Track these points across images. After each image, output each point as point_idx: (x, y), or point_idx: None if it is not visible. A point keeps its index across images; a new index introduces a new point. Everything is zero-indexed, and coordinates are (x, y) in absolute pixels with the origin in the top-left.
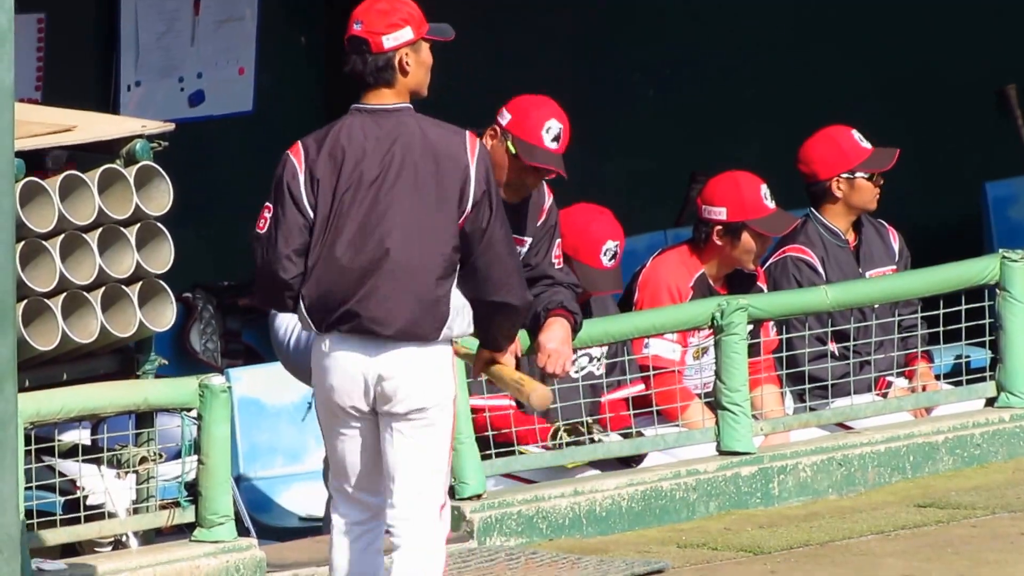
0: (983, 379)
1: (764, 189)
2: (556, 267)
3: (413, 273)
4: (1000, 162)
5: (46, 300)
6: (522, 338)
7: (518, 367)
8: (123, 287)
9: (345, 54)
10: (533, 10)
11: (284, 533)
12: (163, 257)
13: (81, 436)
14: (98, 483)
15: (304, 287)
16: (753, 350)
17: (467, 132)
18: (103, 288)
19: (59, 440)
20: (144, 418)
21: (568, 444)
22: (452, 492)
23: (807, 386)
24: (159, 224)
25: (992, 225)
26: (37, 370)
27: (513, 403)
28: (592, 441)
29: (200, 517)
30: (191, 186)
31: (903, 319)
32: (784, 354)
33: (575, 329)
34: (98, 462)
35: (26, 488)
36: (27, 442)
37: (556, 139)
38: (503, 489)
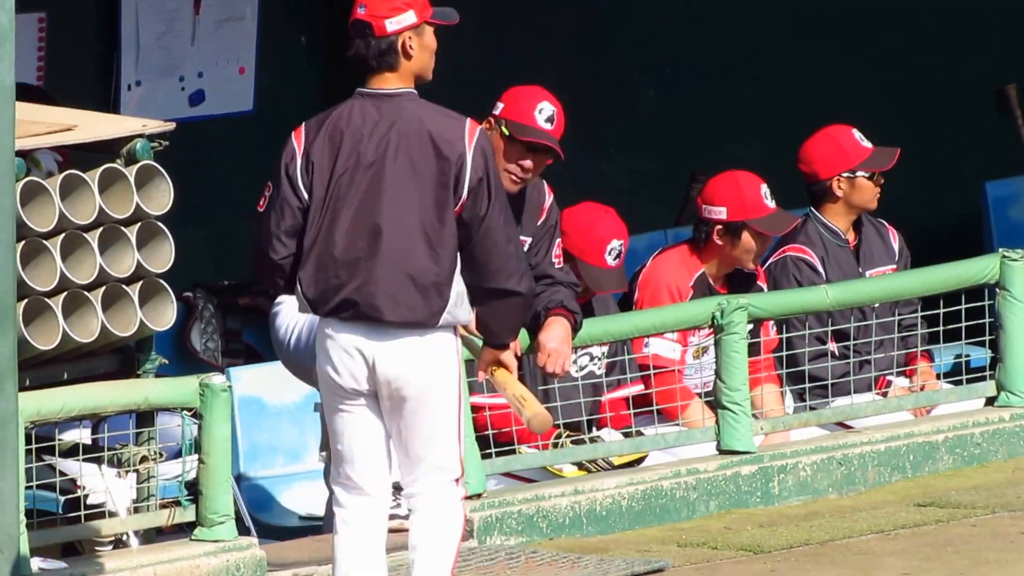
0: (983, 378)
1: (764, 189)
2: (556, 266)
3: (409, 259)
4: (1000, 162)
5: (47, 299)
6: (522, 337)
7: (520, 368)
8: (124, 286)
9: (349, 38)
10: (533, 10)
11: (284, 532)
12: (164, 256)
13: (82, 435)
14: (99, 482)
15: (302, 271)
16: (753, 349)
17: (468, 119)
18: (104, 287)
19: (60, 439)
20: (145, 417)
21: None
22: None
23: (807, 385)
24: (160, 223)
25: (992, 224)
26: (38, 369)
27: None
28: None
29: (200, 516)
30: (192, 185)
31: (903, 318)
32: (784, 353)
33: (575, 328)
34: (99, 461)
35: (27, 487)
36: (28, 441)
37: (550, 120)
38: (503, 488)
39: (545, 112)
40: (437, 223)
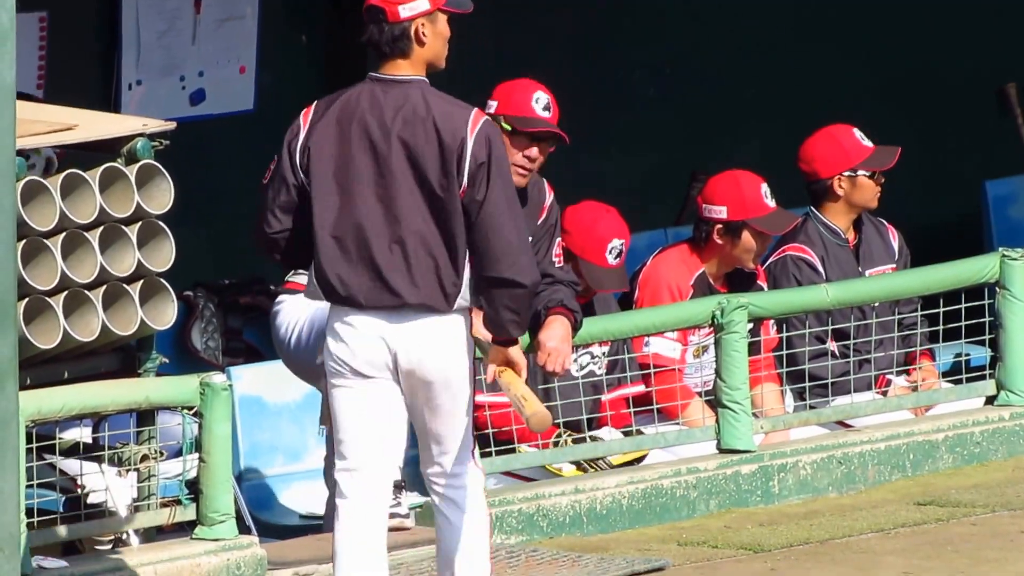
0: (983, 377)
1: (764, 188)
2: (556, 265)
3: (422, 243)
4: (1000, 161)
5: (47, 298)
6: (522, 337)
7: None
8: (124, 285)
9: (362, 24)
10: (533, 10)
11: (285, 531)
12: (164, 255)
13: (82, 434)
14: (99, 481)
15: (314, 256)
16: (753, 348)
17: (475, 109)
18: (104, 286)
19: (60, 438)
20: (145, 416)
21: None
22: None
23: (807, 384)
24: (160, 222)
25: (992, 224)
26: (38, 368)
27: None
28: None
29: (201, 515)
30: (192, 184)
31: (903, 317)
32: (784, 352)
33: (575, 327)
34: (99, 460)
35: (27, 486)
36: (28, 440)
37: (547, 108)
38: (504, 487)
39: (541, 101)
40: (445, 208)
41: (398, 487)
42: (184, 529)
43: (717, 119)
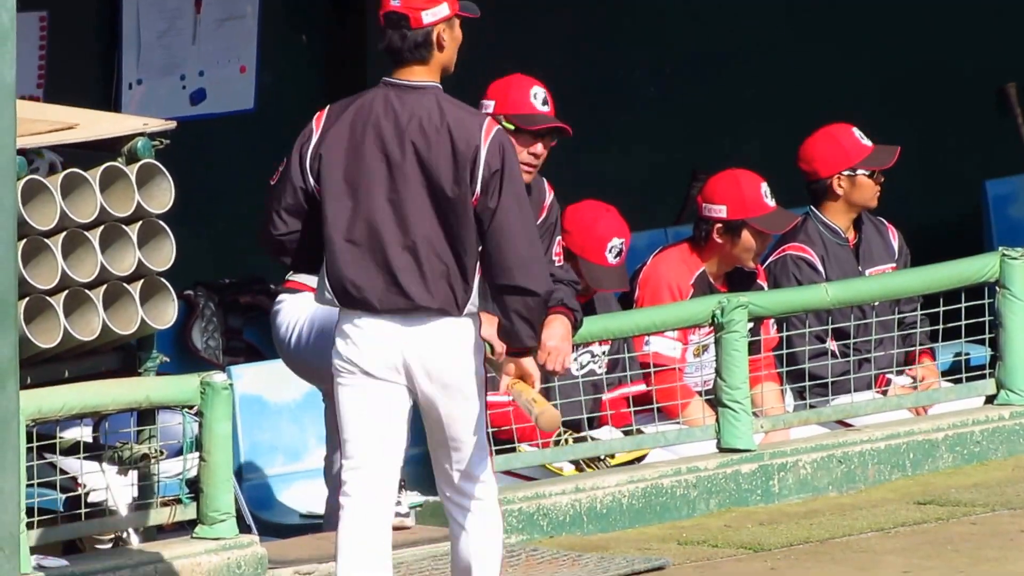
0: (983, 377)
1: (764, 187)
2: (556, 264)
3: (434, 248)
4: (1000, 160)
5: (48, 298)
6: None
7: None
8: (125, 285)
9: (380, 30)
10: (533, 10)
11: (285, 530)
12: (165, 255)
13: (83, 433)
14: (99, 480)
15: (325, 261)
16: (753, 347)
17: (487, 116)
18: (105, 286)
19: (61, 437)
20: (146, 415)
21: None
22: None
23: (807, 383)
24: (161, 222)
25: (992, 223)
26: (39, 367)
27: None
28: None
29: (201, 514)
30: (193, 184)
31: (904, 316)
32: (784, 352)
33: (575, 326)
34: (99, 459)
35: (27, 485)
36: (29, 439)
37: (545, 102)
38: (504, 486)
39: (540, 96)
40: (456, 214)
41: (399, 486)
42: (184, 528)
43: (717, 119)
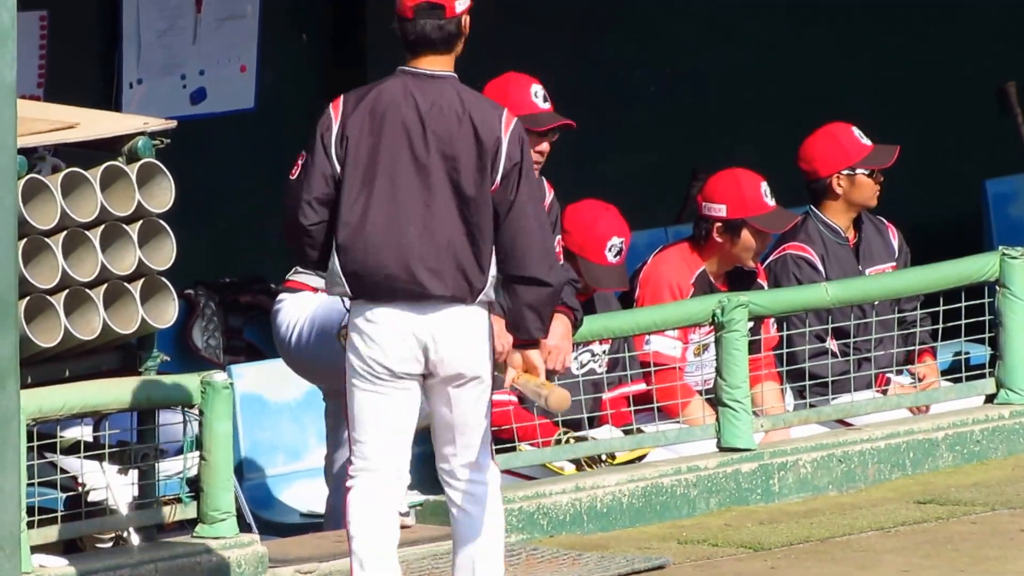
0: (983, 376)
1: (764, 186)
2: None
3: (450, 237)
4: (1000, 160)
5: (48, 297)
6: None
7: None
8: (125, 284)
9: (407, 21)
10: (533, 9)
11: (285, 529)
12: (165, 254)
13: (83, 432)
14: (100, 479)
15: (340, 248)
16: (753, 347)
17: (504, 107)
18: (105, 285)
19: (61, 436)
20: (146, 414)
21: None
22: None
23: (807, 383)
24: (161, 221)
25: (992, 222)
26: (39, 367)
27: (514, 399)
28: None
29: (202, 513)
30: (193, 183)
31: (905, 314)
32: (784, 351)
33: (575, 325)
34: (100, 458)
35: (28, 484)
36: (29, 438)
37: (545, 99)
38: (504, 485)
39: (539, 93)
40: (475, 203)
41: None
42: (185, 527)
43: (717, 119)
